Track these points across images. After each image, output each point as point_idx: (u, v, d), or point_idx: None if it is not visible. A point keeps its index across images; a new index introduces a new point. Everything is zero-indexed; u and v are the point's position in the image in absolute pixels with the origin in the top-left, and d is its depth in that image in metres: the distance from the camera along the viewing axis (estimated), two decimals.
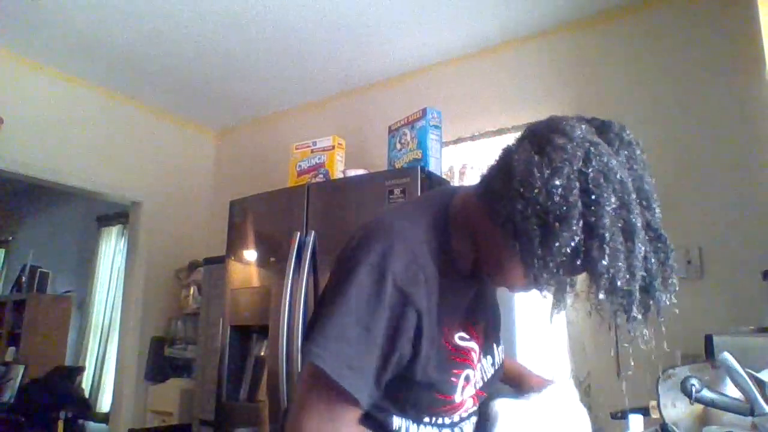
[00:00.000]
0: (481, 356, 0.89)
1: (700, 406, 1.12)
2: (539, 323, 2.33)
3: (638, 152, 0.73)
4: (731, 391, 1.06)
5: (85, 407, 4.42)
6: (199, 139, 4.05)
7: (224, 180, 3.97)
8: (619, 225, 0.65)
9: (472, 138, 2.72)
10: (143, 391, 3.50)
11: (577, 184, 0.66)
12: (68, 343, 5.17)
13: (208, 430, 2.78)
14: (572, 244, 0.65)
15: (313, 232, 2.21)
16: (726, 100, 2.19)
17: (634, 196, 0.67)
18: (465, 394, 0.83)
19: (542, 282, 0.68)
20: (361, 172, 2.40)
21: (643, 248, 0.66)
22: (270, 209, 2.48)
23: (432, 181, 2.07)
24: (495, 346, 0.95)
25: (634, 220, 0.66)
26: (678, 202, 2.21)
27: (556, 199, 0.65)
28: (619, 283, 0.65)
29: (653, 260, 0.67)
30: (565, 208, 0.65)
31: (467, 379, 0.83)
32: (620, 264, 0.65)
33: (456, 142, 2.75)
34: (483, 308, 0.92)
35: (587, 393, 2.21)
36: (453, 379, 0.81)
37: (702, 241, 2.12)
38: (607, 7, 2.51)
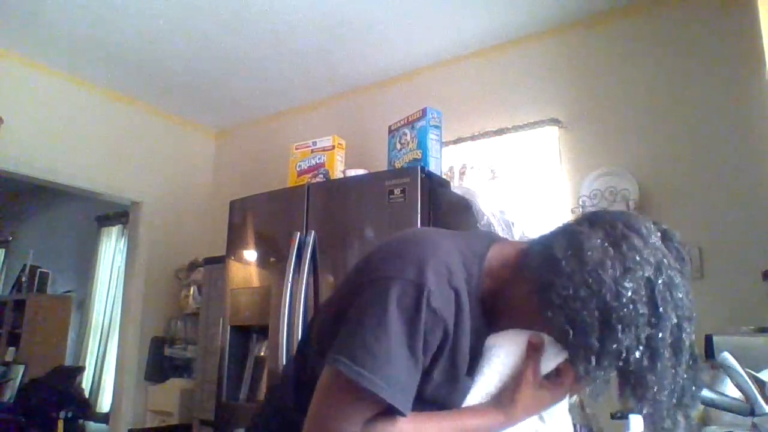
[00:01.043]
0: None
1: (700, 406, 1.12)
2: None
3: (688, 268, 0.72)
4: (731, 391, 1.06)
5: (85, 407, 4.42)
6: (199, 139, 4.05)
7: (224, 180, 3.97)
8: (671, 341, 0.66)
9: (472, 138, 2.72)
10: (143, 391, 3.50)
11: (645, 292, 0.65)
12: (68, 343, 5.18)
13: (208, 430, 2.78)
14: (629, 349, 0.65)
15: (313, 232, 2.21)
16: (726, 100, 2.19)
17: (689, 314, 0.67)
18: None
19: (588, 376, 0.68)
20: (361, 172, 2.40)
21: (684, 367, 0.67)
22: (270, 209, 2.48)
23: (432, 181, 2.07)
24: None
25: (685, 340, 0.67)
26: (678, 201, 2.22)
27: (624, 300, 0.65)
28: (659, 397, 0.66)
29: (688, 377, 0.69)
30: (632, 312, 0.65)
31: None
32: (666, 382, 0.66)
33: (456, 142, 2.75)
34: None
35: (587, 393, 2.21)
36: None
37: (702, 241, 2.12)
38: (607, 7, 2.51)
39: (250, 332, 2.50)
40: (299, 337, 2.10)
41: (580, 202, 2.37)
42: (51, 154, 3.20)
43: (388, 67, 3.09)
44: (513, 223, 2.18)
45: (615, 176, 2.35)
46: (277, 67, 3.13)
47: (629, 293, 0.65)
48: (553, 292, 0.69)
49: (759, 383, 1.01)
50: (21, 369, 4.68)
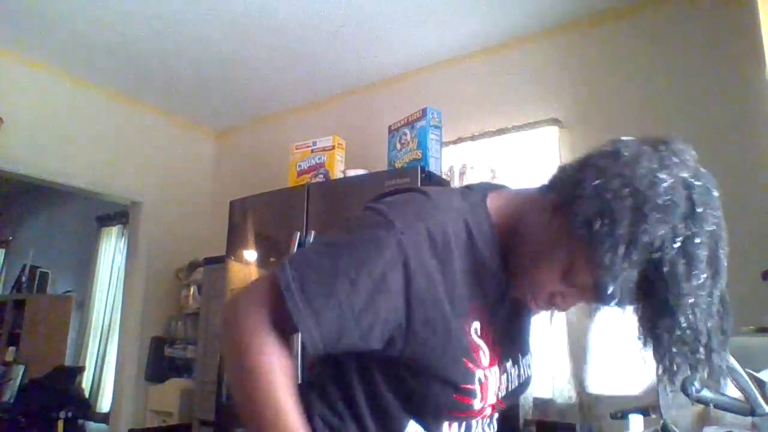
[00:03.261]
0: (501, 361, 0.81)
1: (700, 406, 1.12)
2: (539, 324, 2.33)
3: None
4: (731, 391, 1.06)
5: (85, 407, 4.42)
6: (199, 139, 4.05)
7: (224, 180, 3.97)
8: (707, 253, 0.61)
9: (472, 138, 2.72)
10: (143, 391, 3.50)
11: (681, 189, 0.61)
12: (68, 343, 5.17)
13: (208, 430, 2.78)
14: (663, 243, 0.59)
15: (313, 232, 2.21)
16: (726, 99, 2.19)
17: (725, 235, 0.63)
18: (486, 400, 0.77)
19: (612, 270, 0.60)
20: (361, 172, 2.40)
21: (719, 299, 0.63)
22: (270, 209, 2.48)
23: (432, 181, 2.07)
24: (521, 355, 0.88)
25: (721, 258, 0.62)
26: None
27: (659, 189, 0.61)
28: (691, 319, 0.60)
29: (720, 316, 0.64)
30: (667, 202, 0.60)
31: (480, 381, 0.76)
32: (702, 299, 0.60)
33: (456, 142, 2.75)
34: (506, 310, 0.83)
35: (587, 393, 2.21)
36: (470, 384, 0.75)
37: None
38: (607, 7, 2.51)
39: None
40: (299, 336, 2.09)
41: None
42: (51, 154, 3.20)
43: (388, 67, 3.10)
44: None
45: None
46: (277, 67, 3.13)
47: (666, 183, 0.61)
48: (581, 187, 0.65)
49: (759, 383, 1.01)
50: (21, 369, 4.68)
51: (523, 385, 0.89)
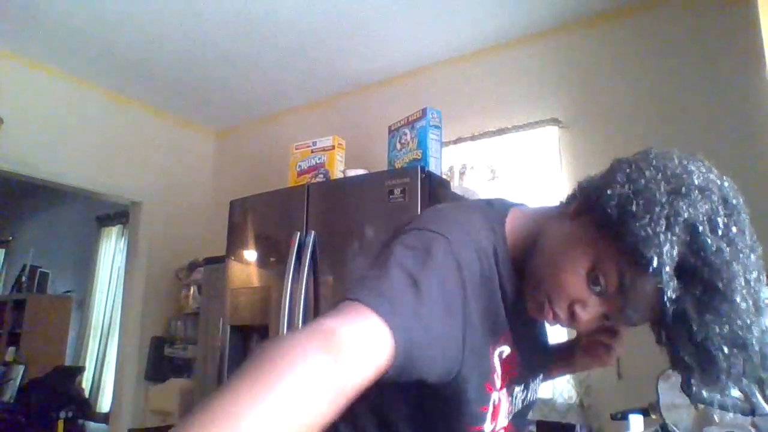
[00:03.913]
0: (514, 383, 0.77)
1: (700, 406, 1.12)
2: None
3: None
4: (731, 391, 1.06)
5: (85, 407, 4.42)
6: (199, 139, 4.05)
7: (224, 180, 3.97)
8: (749, 244, 0.58)
9: (472, 138, 2.72)
10: (143, 391, 3.50)
11: (718, 181, 0.60)
12: (68, 343, 5.18)
13: None
14: (703, 225, 0.56)
15: (313, 232, 2.21)
16: (726, 99, 2.19)
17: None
18: (497, 423, 0.73)
19: (652, 245, 0.55)
20: (361, 172, 2.40)
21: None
22: (270, 209, 2.48)
23: (432, 181, 2.07)
24: (532, 379, 0.84)
25: (762, 262, 0.58)
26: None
27: (695, 176, 0.59)
28: (734, 318, 0.54)
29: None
30: (705, 184, 0.58)
31: (494, 404, 0.72)
32: (746, 293, 0.55)
33: (456, 142, 2.75)
34: (525, 329, 0.78)
35: (587, 393, 2.21)
36: (483, 406, 0.70)
37: None
38: (607, 7, 2.51)
39: (250, 332, 2.50)
40: None
41: None
42: (51, 154, 3.20)
43: (388, 67, 3.09)
44: None
45: None
46: (278, 67, 3.13)
47: (701, 172, 0.59)
48: (611, 180, 0.62)
49: (759, 384, 1.01)
50: (21, 369, 4.68)
51: (528, 406, 0.86)
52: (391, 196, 2.03)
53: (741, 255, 0.56)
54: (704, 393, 1.01)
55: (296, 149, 2.64)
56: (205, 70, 3.20)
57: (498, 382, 0.72)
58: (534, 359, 0.83)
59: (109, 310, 5.11)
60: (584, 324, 0.67)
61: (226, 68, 3.16)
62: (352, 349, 0.48)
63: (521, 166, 2.55)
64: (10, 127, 2.95)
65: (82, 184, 3.37)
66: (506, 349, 0.72)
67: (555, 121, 2.53)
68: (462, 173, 2.69)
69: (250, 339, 2.51)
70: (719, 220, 0.57)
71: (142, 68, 3.20)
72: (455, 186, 2.41)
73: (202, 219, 3.88)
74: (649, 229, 0.56)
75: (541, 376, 0.88)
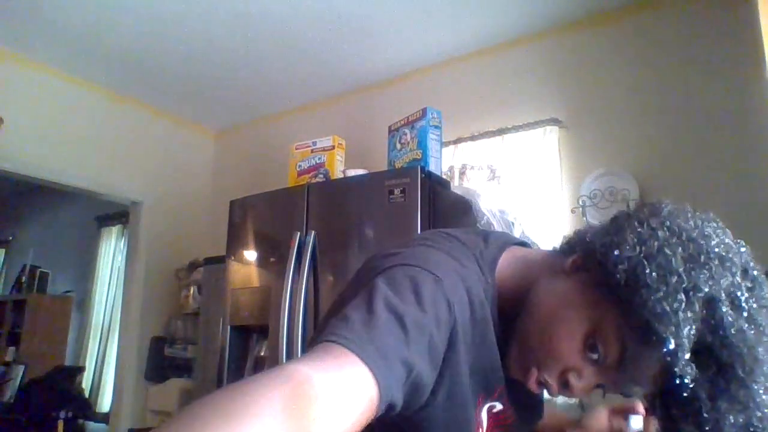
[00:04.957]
0: None
1: None
2: None
3: None
4: None
5: (85, 407, 4.42)
6: (199, 139, 4.05)
7: (224, 180, 3.97)
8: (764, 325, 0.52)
9: (472, 138, 2.72)
10: (143, 391, 3.50)
11: (735, 247, 0.55)
12: (68, 343, 5.17)
13: None
14: (728, 291, 0.51)
15: (313, 232, 2.21)
16: (726, 99, 2.19)
17: None
18: None
19: (669, 324, 0.49)
20: (361, 172, 2.40)
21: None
22: (270, 209, 2.48)
23: (432, 181, 2.07)
24: None
25: None
26: (678, 202, 2.21)
27: (714, 241, 0.53)
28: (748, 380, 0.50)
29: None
30: (725, 252, 0.53)
31: None
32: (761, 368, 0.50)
33: (456, 142, 2.75)
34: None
35: None
36: None
37: None
38: (607, 7, 2.51)
39: (250, 332, 2.50)
40: (299, 337, 2.10)
41: (580, 202, 2.36)
42: (51, 154, 3.20)
43: (388, 67, 3.09)
44: (513, 223, 2.18)
45: (615, 176, 2.35)
46: (277, 67, 3.13)
47: (719, 237, 0.54)
48: (617, 236, 0.55)
49: None
50: (21, 369, 4.68)
51: None
52: (391, 196, 2.03)
53: (765, 338, 0.50)
54: None
55: (296, 149, 2.64)
56: (205, 70, 3.20)
57: None
58: (527, 415, 0.75)
59: (109, 310, 5.10)
60: (577, 394, 0.60)
61: (226, 68, 3.16)
62: (327, 401, 0.40)
63: (521, 166, 2.55)
64: (10, 127, 2.95)
65: (82, 184, 3.37)
66: (498, 405, 0.65)
67: (555, 121, 2.53)
68: (462, 173, 2.69)
69: (250, 339, 2.51)
70: (741, 295, 0.51)
71: (142, 68, 3.20)
72: (455, 186, 2.41)
73: (202, 219, 3.88)
74: (665, 304, 0.49)
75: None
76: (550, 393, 0.61)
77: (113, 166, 3.49)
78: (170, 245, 3.71)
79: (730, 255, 0.53)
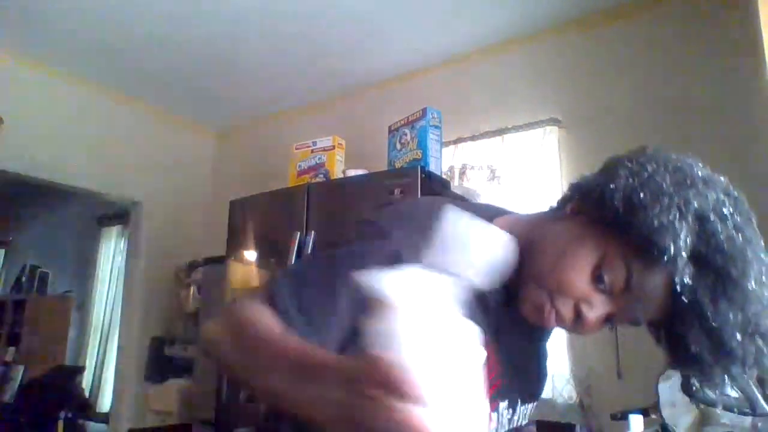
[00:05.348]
0: (499, 398, 0.72)
1: (700, 406, 1.12)
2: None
3: None
4: (731, 391, 1.06)
5: (85, 407, 4.42)
6: (199, 139, 4.05)
7: (224, 180, 3.97)
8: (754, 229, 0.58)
9: (472, 138, 2.72)
10: (143, 391, 3.50)
11: (718, 177, 0.62)
12: (68, 343, 5.17)
13: (208, 430, 2.78)
14: (715, 204, 0.57)
15: (313, 232, 2.21)
16: (726, 99, 2.19)
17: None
18: None
19: (667, 233, 0.55)
20: (361, 172, 2.40)
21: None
22: (270, 209, 2.48)
23: (432, 181, 2.07)
24: (521, 403, 0.78)
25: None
26: None
27: (696, 169, 0.60)
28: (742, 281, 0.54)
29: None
30: (708, 176, 0.60)
31: None
32: (755, 271, 0.55)
33: (456, 142, 2.75)
34: (515, 347, 0.74)
35: (587, 393, 2.21)
36: None
37: None
38: (607, 7, 2.51)
39: None
40: None
41: None
42: (51, 154, 3.20)
43: (388, 67, 3.09)
44: None
45: None
46: (278, 67, 3.13)
47: (699, 167, 0.61)
48: (611, 175, 0.62)
49: (759, 383, 1.01)
50: (21, 369, 4.68)
51: (517, 431, 0.78)
52: (391, 196, 2.03)
53: (753, 242, 0.57)
54: (706, 392, 1.01)
55: (296, 149, 2.64)
56: (205, 70, 3.20)
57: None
58: (523, 381, 0.78)
59: (109, 310, 5.10)
60: (589, 325, 0.65)
61: (226, 68, 3.16)
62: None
63: (521, 166, 2.55)
64: (10, 127, 2.95)
65: (82, 184, 3.37)
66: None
67: (555, 121, 2.53)
68: (462, 173, 2.69)
69: None
70: (726, 209, 0.57)
71: (143, 69, 3.20)
72: (455, 186, 2.41)
73: (202, 219, 3.88)
74: (662, 218, 0.56)
75: (531, 405, 0.83)
76: (563, 326, 0.66)
77: (113, 166, 3.49)
78: (170, 245, 3.70)
79: (713, 178, 0.61)
